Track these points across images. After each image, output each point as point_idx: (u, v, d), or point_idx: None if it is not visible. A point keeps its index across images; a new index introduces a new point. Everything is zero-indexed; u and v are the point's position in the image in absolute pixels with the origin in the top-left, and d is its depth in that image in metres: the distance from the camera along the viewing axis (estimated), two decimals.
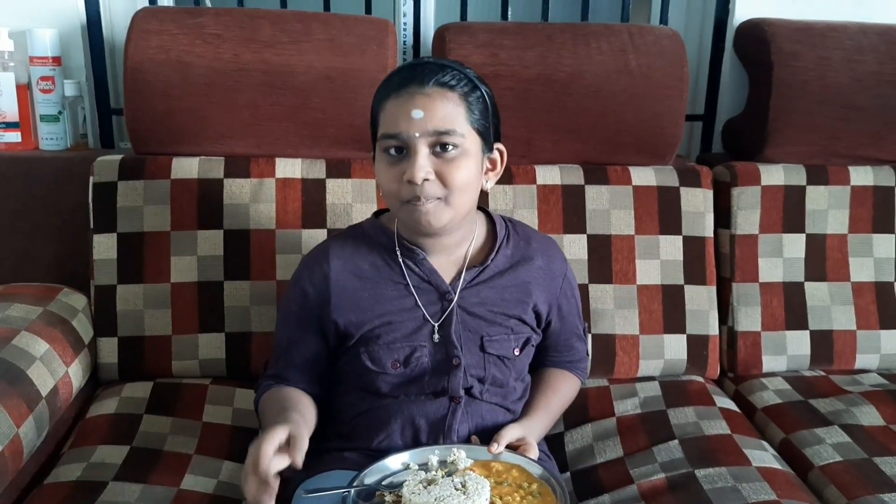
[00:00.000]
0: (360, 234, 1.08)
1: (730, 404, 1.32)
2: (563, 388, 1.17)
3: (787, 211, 1.45)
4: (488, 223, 1.10)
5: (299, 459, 0.85)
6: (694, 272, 1.40)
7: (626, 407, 1.29)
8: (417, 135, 0.94)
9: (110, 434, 1.15)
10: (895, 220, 1.48)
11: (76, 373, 1.20)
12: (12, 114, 1.44)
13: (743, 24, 1.55)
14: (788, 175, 1.46)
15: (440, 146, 0.95)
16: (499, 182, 1.11)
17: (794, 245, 1.45)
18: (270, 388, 1.05)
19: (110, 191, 1.30)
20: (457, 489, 0.89)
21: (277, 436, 0.85)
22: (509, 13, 1.65)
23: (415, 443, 1.02)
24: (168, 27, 1.30)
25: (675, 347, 1.38)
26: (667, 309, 1.38)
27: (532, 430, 1.06)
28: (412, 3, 1.60)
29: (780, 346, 1.43)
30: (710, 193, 1.43)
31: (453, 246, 1.05)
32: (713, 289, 1.42)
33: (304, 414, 0.97)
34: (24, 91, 1.45)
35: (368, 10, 1.60)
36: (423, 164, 0.94)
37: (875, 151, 1.50)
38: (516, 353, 1.07)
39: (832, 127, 1.47)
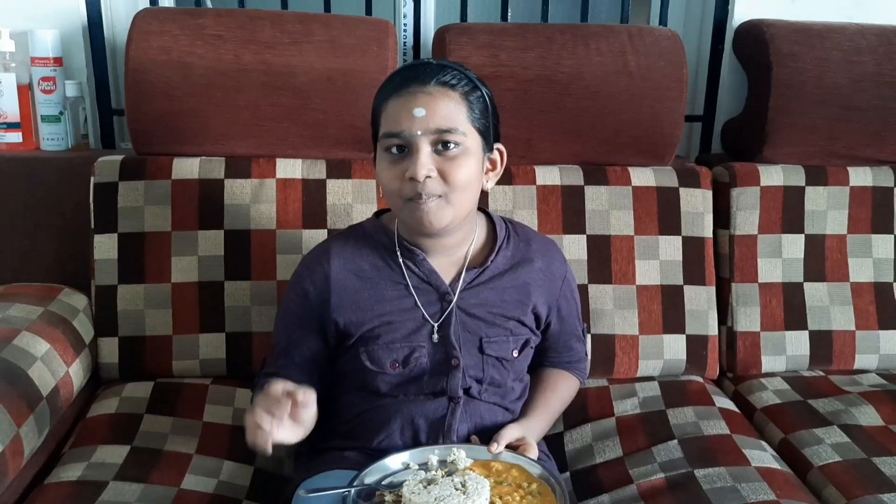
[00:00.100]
0: (360, 233, 1.08)
1: (729, 404, 1.32)
2: (562, 389, 1.17)
3: (787, 211, 1.45)
4: (488, 224, 1.11)
5: (309, 398, 0.87)
6: (693, 272, 1.40)
7: (626, 407, 1.29)
8: (419, 133, 0.95)
9: (111, 434, 1.15)
10: (894, 220, 1.48)
11: (77, 373, 1.21)
12: (13, 114, 1.44)
13: (742, 24, 1.56)
14: (787, 176, 1.46)
15: (442, 144, 0.96)
16: (499, 182, 1.11)
17: (794, 245, 1.45)
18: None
19: (111, 191, 1.31)
20: (457, 489, 0.89)
21: (284, 382, 0.87)
22: (509, 14, 1.65)
23: (414, 442, 1.02)
24: (169, 28, 1.30)
25: (674, 348, 1.38)
26: (666, 309, 1.38)
27: (531, 430, 1.06)
28: (412, 4, 1.61)
29: (779, 347, 1.43)
30: (709, 194, 1.43)
31: (453, 247, 1.06)
32: (712, 289, 1.42)
33: None
34: (25, 91, 1.45)
35: (369, 11, 1.60)
36: (426, 161, 0.95)
37: (874, 152, 1.51)
38: (515, 354, 1.08)
39: (831, 127, 1.47)
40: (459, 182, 0.96)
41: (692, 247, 1.40)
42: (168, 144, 1.35)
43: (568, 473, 1.18)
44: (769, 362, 1.43)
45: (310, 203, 1.34)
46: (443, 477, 0.92)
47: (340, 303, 1.03)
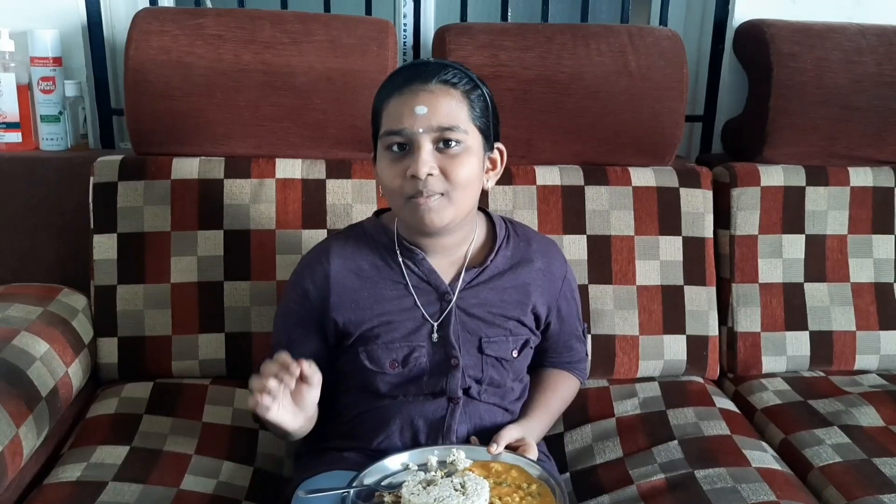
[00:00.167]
0: (360, 233, 1.08)
1: (729, 405, 1.32)
2: (562, 389, 1.17)
3: (787, 212, 1.45)
4: (488, 224, 1.11)
5: (314, 374, 0.89)
6: (693, 273, 1.40)
7: (626, 407, 1.29)
8: (421, 130, 0.95)
9: (110, 434, 1.15)
10: (895, 220, 1.48)
11: (76, 373, 1.21)
12: (13, 114, 1.44)
13: (742, 25, 1.56)
14: (788, 176, 1.46)
15: (443, 142, 0.96)
16: (499, 182, 1.11)
17: (794, 246, 1.45)
18: None
19: (111, 191, 1.30)
20: (456, 490, 0.89)
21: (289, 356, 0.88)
22: (509, 14, 1.65)
23: (414, 443, 1.02)
24: (169, 28, 1.30)
25: (674, 348, 1.38)
26: (666, 309, 1.38)
27: (531, 430, 1.06)
28: (412, 3, 1.61)
29: (779, 347, 1.43)
30: (709, 194, 1.43)
31: (453, 246, 1.06)
32: (713, 289, 1.42)
33: None
34: (24, 91, 1.45)
35: (369, 10, 1.60)
36: (427, 158, 0.95)
37: (874, 152, 1.51)
38: (514, 354, 1.07)
39: (831, 128, 1.47)
40: (461, 180, 0.96)
41: (692, 247, 1.40)
42: (167, 144, 1.35)
43: (568, 474, 1.18)
44: (769, 363, 1.43)
45: (309, 203, 1.34)
46: (442, 478, 0.92)
47: (340, 302, 1.03)
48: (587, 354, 1.23)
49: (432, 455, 0.97)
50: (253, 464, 1.15)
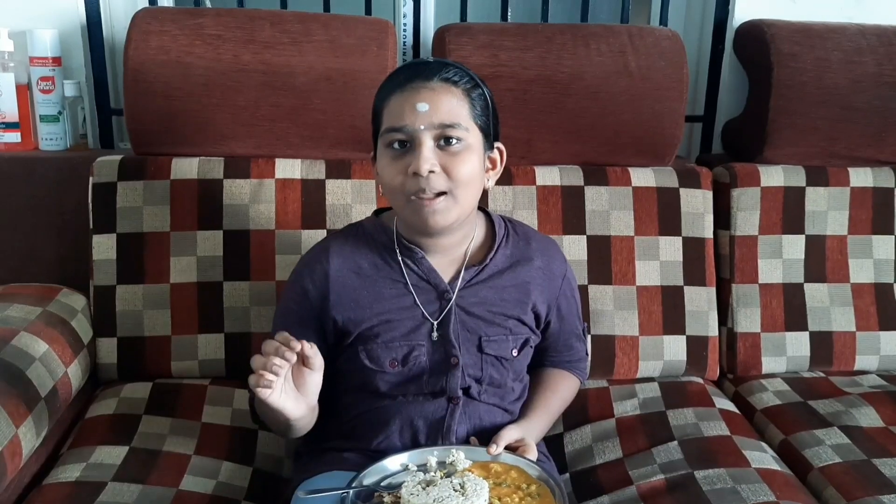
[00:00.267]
0: (360, 232, 1.08)
1: (729, 405, 1.32)
2: (562, 389, 1.17)
3: (787, 212, 1.45)
4: (487, 223, 1.11)
5: (316, 357, 0.90)
6: (693, 273, 1.40)
7: (626, 408, 1.29)
8: (423, 127, 0.95)
9: (109, 434, 1.15)
10: (895, 221, 1.48)
11: (75, 373, 1.20)
12: (12, 114, 1.44)
13: (742, 25, 1.55)
14: (788, 176, 1.46)
15: (444, 140, 0.96)
16: (499, 182, 1.11)
17: (794, 246, 1.45)
18: None
19: (110, 191, 1.30)
20: (455, 490, 0.89)
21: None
22: (509, 14, 1.65)
23: (413, 444, 1.02)
24: (168, 28, 1.30)
25: (674, 348, 1.38)
26: (666, 310, 1.38)
27: (531, 431, 1.06)
28: (412, 3, 1.61)
29: (779, 348, 1.43)
30: (709, 194, 1.43)
31: (453, 245, 1.05)
32: (713, 290, 1.42)
33: None
34: (24, 91, 1.45)
35: (368, 10, 1.60)
36: (429, 155, 0.95)
37: (874, 153, 1.50)
38: (514, 353, 1.07)
39: (831, 128, 1.47)
40: (463, 177, 0.96)
41: (692, 247, 1.40)
42: (167, 144, 1.35)
43: (567, 474, 1.18)
44: (769, 363, 1.43)
45: (309, 203, 1.33)
46: (441, 478, 0.92)
47: (339, 301, 1.03)
48: (587, 354, 1.23)
49: (432, 455, 0.97)
50: (252, 464, 1.15)
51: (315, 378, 0.92)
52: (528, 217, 1.37)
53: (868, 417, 1.27)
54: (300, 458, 1.10)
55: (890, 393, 1.35)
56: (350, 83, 1.32)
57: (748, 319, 1.42)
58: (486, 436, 1.02)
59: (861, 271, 1.47)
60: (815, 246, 1.46)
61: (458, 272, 1.05)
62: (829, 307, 1.45)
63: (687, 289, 1.39)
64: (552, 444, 1.21)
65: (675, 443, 1.18)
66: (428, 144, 0.95)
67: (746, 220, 1.44)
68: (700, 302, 1.40)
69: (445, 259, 1.05)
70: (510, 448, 1.00)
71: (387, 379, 1.03)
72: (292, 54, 1.31)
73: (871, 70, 1.44)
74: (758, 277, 1.43)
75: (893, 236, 1.48)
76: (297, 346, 0.87)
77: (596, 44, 1.39)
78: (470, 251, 1.07)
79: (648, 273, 1.38)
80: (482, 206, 1.12)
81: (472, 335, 1.04)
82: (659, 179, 1.41)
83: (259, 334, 1.30)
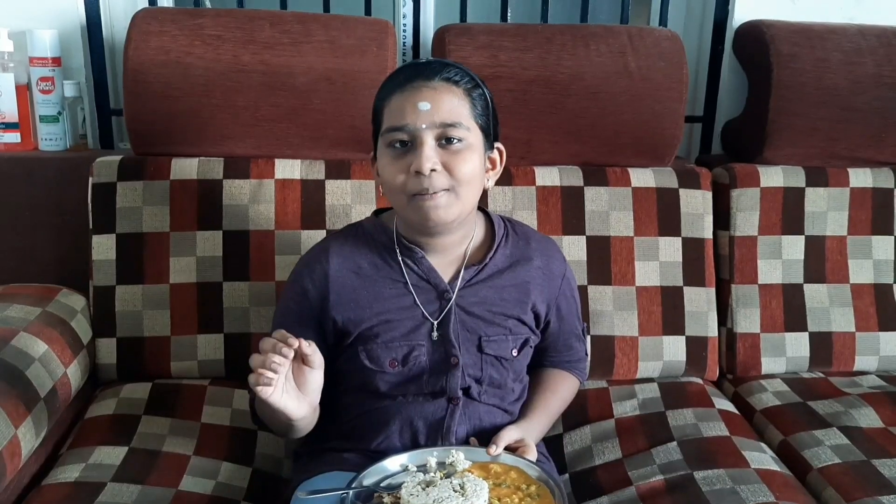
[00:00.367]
0: (360, 232, 1.08)
1: (729, 406, 1.32)
2: (561, 389, 1.17)
3: (787, 213, 1.45)
4: (487, 223, 1.11)
5: (316, 355, 0.90)
6: (693, 274, 1.40)
7: (625, 408, 1.29)
8: (424, 126, 0.95)
9: (109, 435, 1.15)
10: (894, 221, 1.48)
11: (75, 373, 1.20)
12: (12, 114, 1.44)
13: (742, 25, 1.55)
14: (787, 177, 1.46)
15: (446, 139, 0.96)
16: (498, 183, 1.11)
17: (794, 247, 1.45)
18: None
19: (109, 191, 1.30)
20: (455, 491, 0.89)
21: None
22: (509, 14, 1.65)
23: (413, 444, 1.02)
24: (168, 28, 1.30)
25: (674, 349, 1.38)
26: (666, 310, 1.38)
27: (531, 431, 1.06)
28: (412, 4, 1.61)
29: (779, 348, 1.43)
30: (709, 195, 1.43)
31: (453, 245, 1.06)
32: (712, 290, 1.42)
33: None
34: (23, 91, 1.45)
35: (368, 11, 1.60)
36: (430, 154, 0.95)
37: (874, 153, 1.51)
38: (514, 353, 1.07)
39: (831, 129, 1.47)
40: (464, 175, 0.96)
41: (692, 248, 1.40)
42: (166, 145, 1.35)
43: (567, 475, 1.18)
44: (769, 364, 1.43)
45: (309, 203, 1.33)
46: (441, 479, 0.92)
47: (339, 300, 1.03)
48: (587, 354, 1.23)
49: (431, 456, 0.97)
50: (252, 464, 1.15)
51: (316, 376, 0.92)
52: (528, 217, 1.37)
53: (867, 418, 1.27)
54: (300, 459, 1.10)
55: (889, 394, 1.35)
56: (350, 83, 1.32)
57: (748, 320, 1.42)
58: (485, 436, 1.02)
59: (861, 272, 1.47)
60: (815, 246, 1.46)
61: (458, 272, 1.05)
62: (829, 308, 1.45)
63: (686, 289, 1.39)
64: (552, 444, 1.21)
65: (675, 443, 1.18)
66: (429, 143, 0.95)
67: (746, 220, 1.44)
68: (699, 302, 1.40)
69: (445, 259, 1.05)
70: (510, 448, 1.00)
71: (387, 379, 1.03)
72: (292, 55, 1.31)
73: (870, 71, 1.44)
74: (757, 278, 1.43)
75: (893, 237, 1.48)
76: (295, 342, 0.87)
77: (596, 44, 1.39)
78: (469, 251, 1.07)
79: (648, 273, 1.38)
80: (482, 206, 1.12)
81: (472, 335, 1.05)
82: (658, 180, 1.41)
83: (259, 334, 1.30)
